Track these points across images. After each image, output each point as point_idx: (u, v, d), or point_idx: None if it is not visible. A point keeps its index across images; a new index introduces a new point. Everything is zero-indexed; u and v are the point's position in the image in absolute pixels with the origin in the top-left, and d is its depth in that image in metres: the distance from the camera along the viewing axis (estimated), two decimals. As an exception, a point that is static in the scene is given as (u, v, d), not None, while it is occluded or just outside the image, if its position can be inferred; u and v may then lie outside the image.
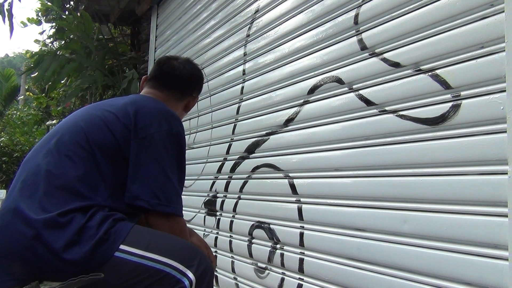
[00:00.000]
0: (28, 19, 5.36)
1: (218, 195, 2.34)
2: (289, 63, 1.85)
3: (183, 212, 1.19)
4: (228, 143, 2.30)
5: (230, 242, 2.16)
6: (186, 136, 2.77)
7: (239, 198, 2.13)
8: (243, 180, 2.10)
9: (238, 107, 2.24)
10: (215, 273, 1.81)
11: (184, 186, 1.26)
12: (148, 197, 1.10)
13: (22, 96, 9.69)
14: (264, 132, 1.97)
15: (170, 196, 1.13)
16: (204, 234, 2.42)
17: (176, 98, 1.39)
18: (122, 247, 1.01)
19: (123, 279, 1.01)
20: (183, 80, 1.40)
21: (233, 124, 2.27)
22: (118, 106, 1.21)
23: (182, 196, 1.19)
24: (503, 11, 1.04)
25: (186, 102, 1.43)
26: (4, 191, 5.33)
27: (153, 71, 1.42)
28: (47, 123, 6.77)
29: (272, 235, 1.84)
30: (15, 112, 9.25)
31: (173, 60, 1.42)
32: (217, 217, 2.32)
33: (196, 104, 1.50)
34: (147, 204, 1.09)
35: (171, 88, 1.38)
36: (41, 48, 5.21)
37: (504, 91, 1.02)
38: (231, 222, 2.17)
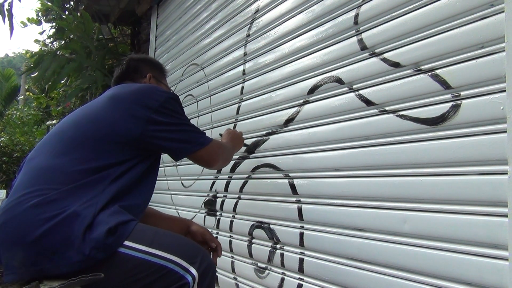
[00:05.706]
0: (28, 19, 5.35)
1: (218, 195, 2.34)
2: (289, 63, 1.85)
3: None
4: (228, 143, 2.29)
5: (230, 242, 2.16)
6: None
7: (239, 198, 2.13)
8: (243, 180, 2.10)
9: (238, 107, 2.24)
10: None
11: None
12: (184, 149, 1.30)
13: (22, 96, 9.69)
14: (264, 132, 1.97)
15: (198, 137, 1.33)
16: (204, 234, 2.41)
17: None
18: (126, 243, 1.02)
19: (127, 275, 1.01)
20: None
21: (233, 124, 2.26)
22: (118, 99, 1.23)
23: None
24: (503, 11, 1.04)
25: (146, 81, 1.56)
26: (4, 191, 5.31)
27: None
28: (47, 123, 6.77)
29: (272, 235, 1.84)
30: (15, 112, 9.26)
31: None
32: (217, 217, 2.32)
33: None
34: (188, 151, 1.31)
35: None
36: (41, 48, 5.20)
37: (504, 91, 1.02)
38: (231, 222, 2.17)
